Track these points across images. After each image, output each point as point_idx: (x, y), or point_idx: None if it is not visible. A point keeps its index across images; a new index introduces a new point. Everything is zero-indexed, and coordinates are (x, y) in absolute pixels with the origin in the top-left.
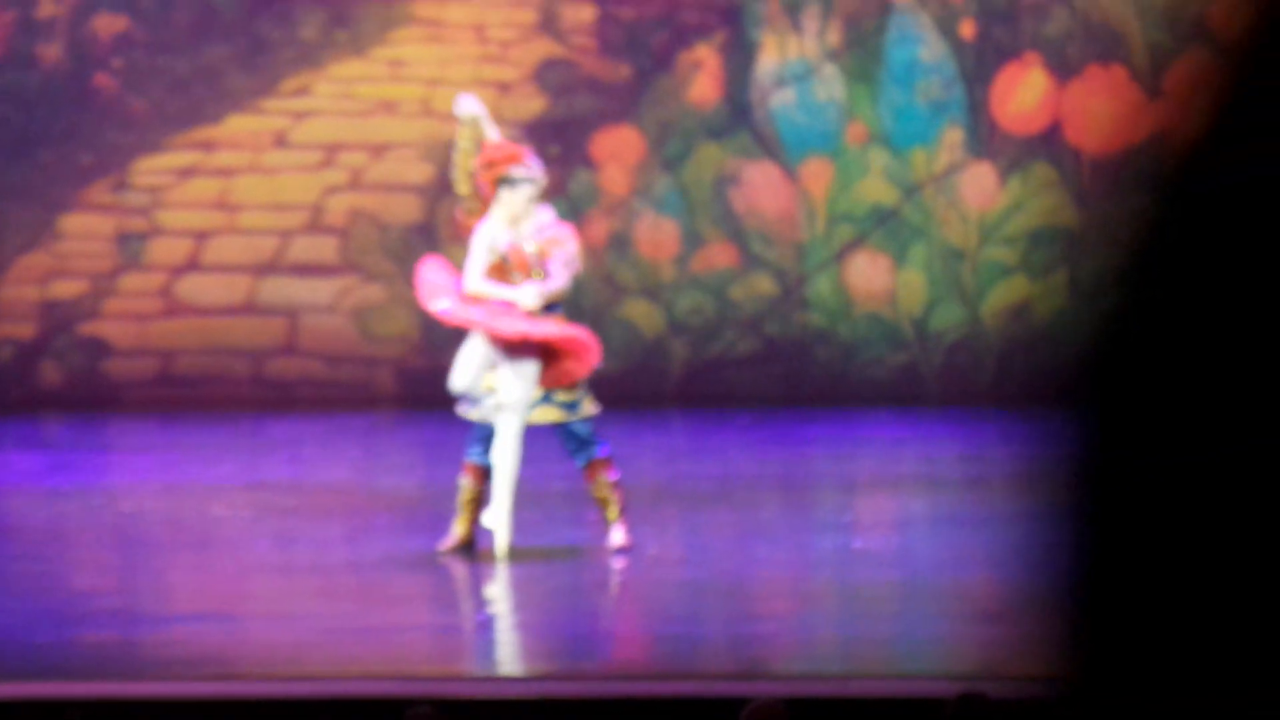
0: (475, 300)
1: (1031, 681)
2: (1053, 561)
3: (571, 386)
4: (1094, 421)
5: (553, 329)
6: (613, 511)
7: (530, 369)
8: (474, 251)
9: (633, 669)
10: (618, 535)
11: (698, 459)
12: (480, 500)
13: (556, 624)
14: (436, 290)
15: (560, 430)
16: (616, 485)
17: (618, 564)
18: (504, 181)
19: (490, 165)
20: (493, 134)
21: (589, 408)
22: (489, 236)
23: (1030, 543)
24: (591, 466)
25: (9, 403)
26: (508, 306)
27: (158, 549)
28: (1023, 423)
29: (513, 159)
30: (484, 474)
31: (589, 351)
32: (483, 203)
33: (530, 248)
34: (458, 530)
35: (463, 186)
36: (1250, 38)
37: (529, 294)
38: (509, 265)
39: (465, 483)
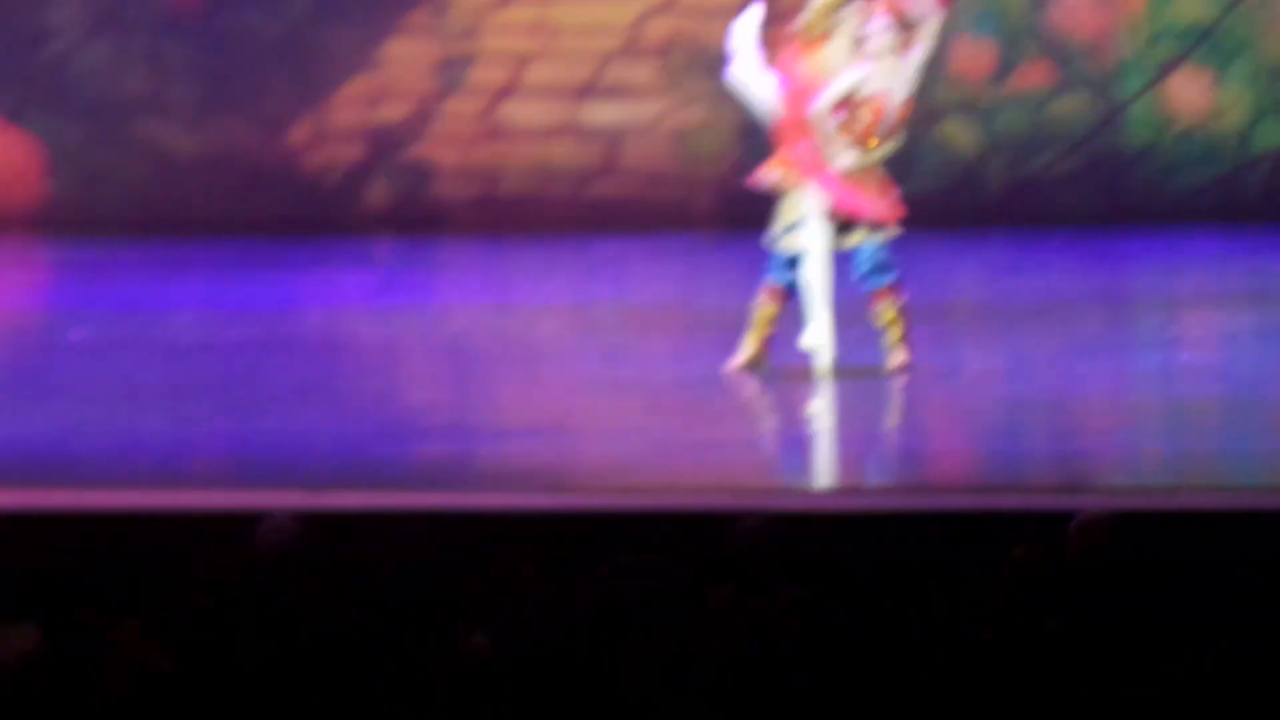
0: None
1: None
2: None
3: None
4: None
5: (863, 206)
6: (895, 335)
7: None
8: (839, 82)
9: (956, 483)
10: (898, 357)
11: (1017, 276)
12: (775, 321)
13: (881, 439)
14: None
15: (854, 252)
16: (903, 310)
17: (939, 381)
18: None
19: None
20: None
21: (890, 229)
22: (863, 75)
23: None
24: (882, 291)
25: (338, 223)
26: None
27: (488, 366)
28: None
29: None
30: (783, 296)
31: (885, 221)
32: (822, 38)
33: (890, 116)
34: (748, 347)
35: (817, 22)
36: None
37: (847, 155)
38: (864, 111)
39: (762, 301)
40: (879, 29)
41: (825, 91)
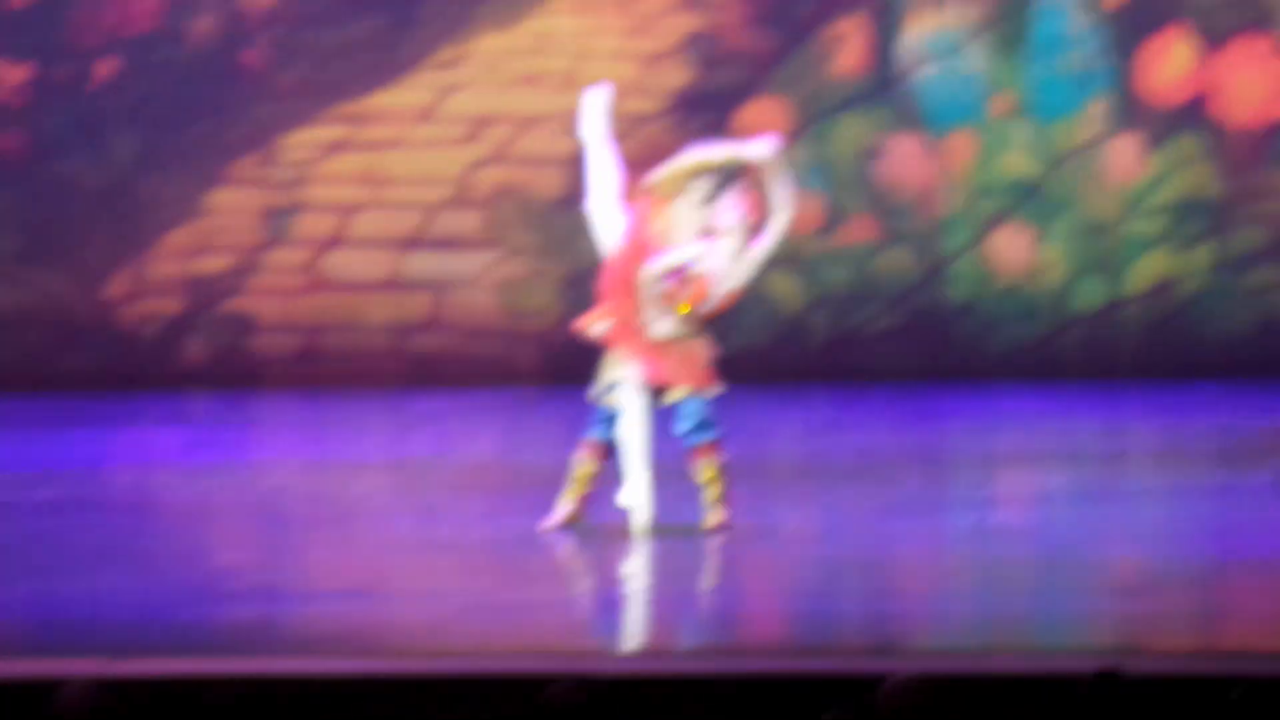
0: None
1: (1171, 657)
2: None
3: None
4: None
5: (666, 376)
6: (714, 493)
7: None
8: (676, 254)
9: (769, 645)
10: (716, 516)
11: (837, 433)
12: (594, 479)
13: (693, 600)
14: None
15: (676, 408)
16: (723, 469)
17: (756, 540)
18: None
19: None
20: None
21: (716, 384)
22: (699, 253)
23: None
24: (702, 449)
25: (154, 378)
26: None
27: (300, 526)
28: (1167, 396)
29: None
30: (603, 452)
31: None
32: (668, 198)
33: (713, 301)
34: (566, 505)
35: (671, 184)
36: None
37: (662, 324)
38: (689, 288)
39: (581, 457)
40: (728, 208)
41: (660, 257)
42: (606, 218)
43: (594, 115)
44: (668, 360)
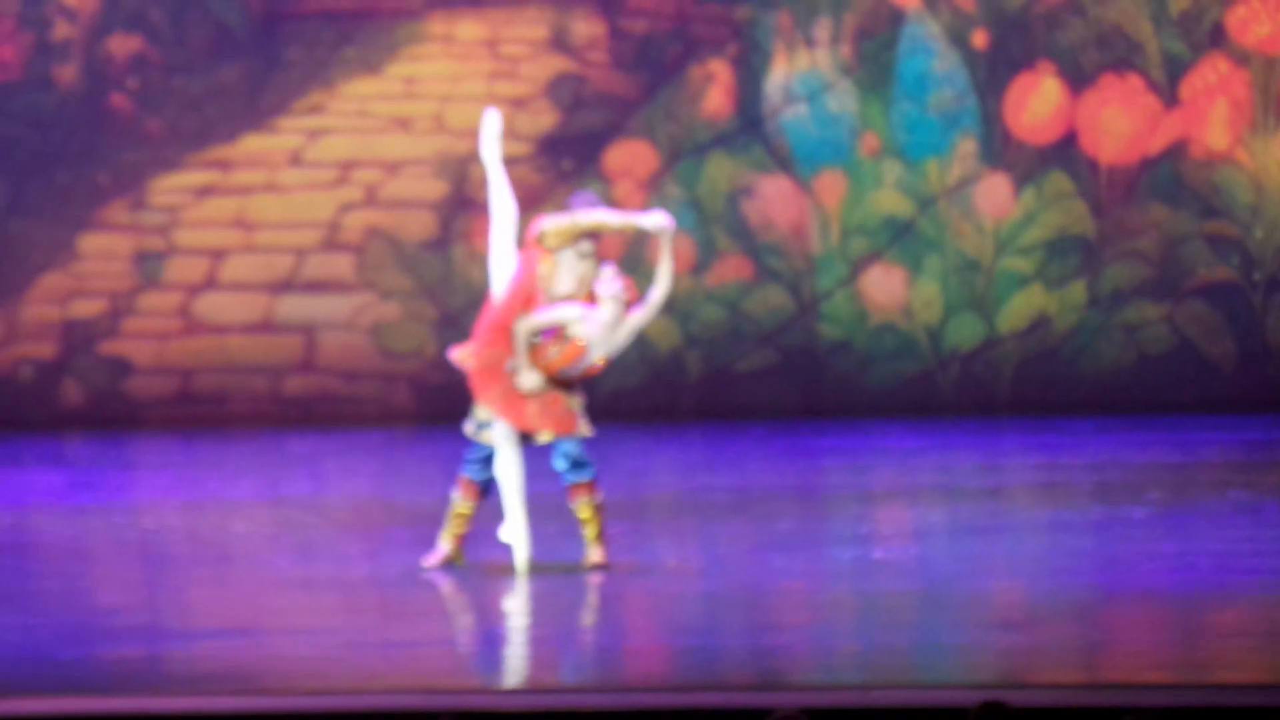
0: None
1: (1054, 689)
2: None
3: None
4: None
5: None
6: (592, 531)
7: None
8: (554, 313)
9: (652, 681)
10: (595, 554)
11: (714, 471)
12: (470, 517)
13: (575, 637)
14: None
15: (552, 448)
16: (600, 508)
17: (636, 577)
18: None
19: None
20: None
21: (584, 427)
22: (577, 316)
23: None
24: (578, 487)
25: (31, 421)
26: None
27: (179, 565)
28: (1043, 432)
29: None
30: (479, 491)
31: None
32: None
33: (584, 363)
34: (444, 544)
35: (559, 237)
36: None
37: (530, 379)
38: (561, 347)
39: (457, 497)
40: (610, 278)
41: (541, 312)
42: (499, 256)
43: (489, 138)
44: (528, 406)
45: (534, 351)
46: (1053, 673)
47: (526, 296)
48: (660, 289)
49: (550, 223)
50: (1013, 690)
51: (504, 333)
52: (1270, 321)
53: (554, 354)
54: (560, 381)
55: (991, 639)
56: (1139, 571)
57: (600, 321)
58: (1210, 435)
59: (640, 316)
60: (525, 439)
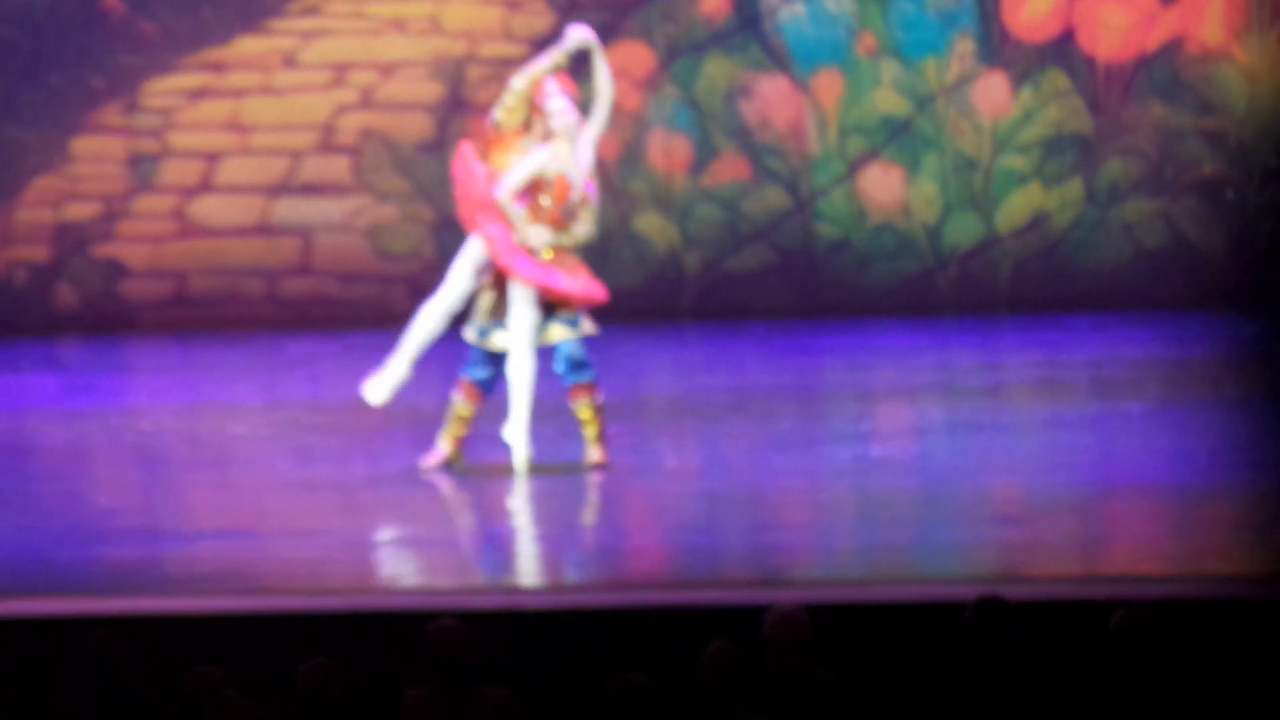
0: (493, 215)
1: (1052, 583)
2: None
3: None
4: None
5: (565, 284)
6: (592, 432)
7: (533, 294)
8: (520, 166)
9: (653, 579)
10: (595, 454)
11: (713, 371)
12: (471, 419)
13: (577, 536)
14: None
15: (553, 349)
16: (600, 408)
17: (636, 477)
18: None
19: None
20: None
21: (587, 327)
22: (545, 158)
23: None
24: (579, 388)
25: (25, 325)
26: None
27: (178, 467)
28: (1042, 329)
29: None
30: (480, 393)
31: (593, 297)
32: (518, 130)
33: (577, 193)
34: (444, 445)
35: (512, 114)
36: None
37: (539, 234)
38: (549, 193)
39: (458, 399)
40: (560, 112)
41: (507, 176)
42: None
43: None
44: (558, 272)
45: (531, 213)
46: (1050, 566)
47: (489, 174)
48: (604, 94)
49: (496, 113)
50: (1011, 584)
51: (495, 209)
52: (1264, 217)
53: (546, 201)
54: (568, 236)
55: (990, 534)
56: (1136, 466)
57: (563, 153)
58: (1205, 332)
59: (592, 129)
60: (541, 328)
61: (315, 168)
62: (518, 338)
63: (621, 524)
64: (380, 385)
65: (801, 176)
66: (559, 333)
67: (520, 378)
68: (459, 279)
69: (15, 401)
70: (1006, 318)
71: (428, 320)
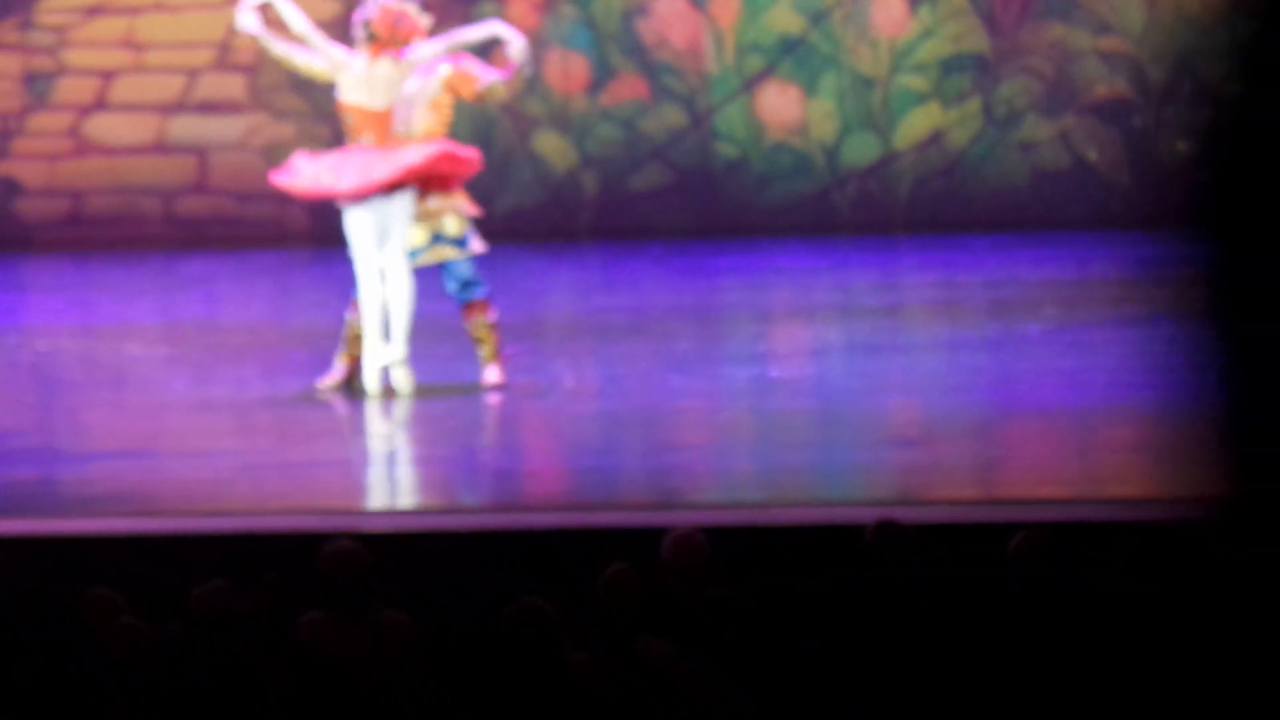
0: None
1: (950, 505)
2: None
3: (460, 223)
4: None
5: (415, 154)
6: (488, 351)
7: (407, 196)
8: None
9: (550, 501)
10: (491, 374)
11: (611, 291)
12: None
13: (473, 457)
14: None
15: (444, 268)
16: (494, 326)
17: (533, 398)
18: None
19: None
20: None
21: (476, 245)
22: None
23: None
24: (472, 306)
25: None
26: (354, 154)
27: (73, 388)
28: (940, 250)
29: None
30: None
31: (460, 159)
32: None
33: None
34: (340, 366)
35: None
36: None
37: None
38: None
39: (352, 319)
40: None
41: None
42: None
43: None
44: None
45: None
46: (949, 489)
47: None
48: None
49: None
50: (909, 506)
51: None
52: (1162, 138)
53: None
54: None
55: (888, 456)
56: (1035, 388)
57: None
58: (1104, 252)
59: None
60: (428, 247)
61: (212, 86)
62: (394, 256)
63: (518, 445)
64: (370, 376)
65: (699, 95)
66: (447, 252)
67: (398, 297)
68: (363, 251)
69: None
70: (905, 238)
71: (370, 300)
